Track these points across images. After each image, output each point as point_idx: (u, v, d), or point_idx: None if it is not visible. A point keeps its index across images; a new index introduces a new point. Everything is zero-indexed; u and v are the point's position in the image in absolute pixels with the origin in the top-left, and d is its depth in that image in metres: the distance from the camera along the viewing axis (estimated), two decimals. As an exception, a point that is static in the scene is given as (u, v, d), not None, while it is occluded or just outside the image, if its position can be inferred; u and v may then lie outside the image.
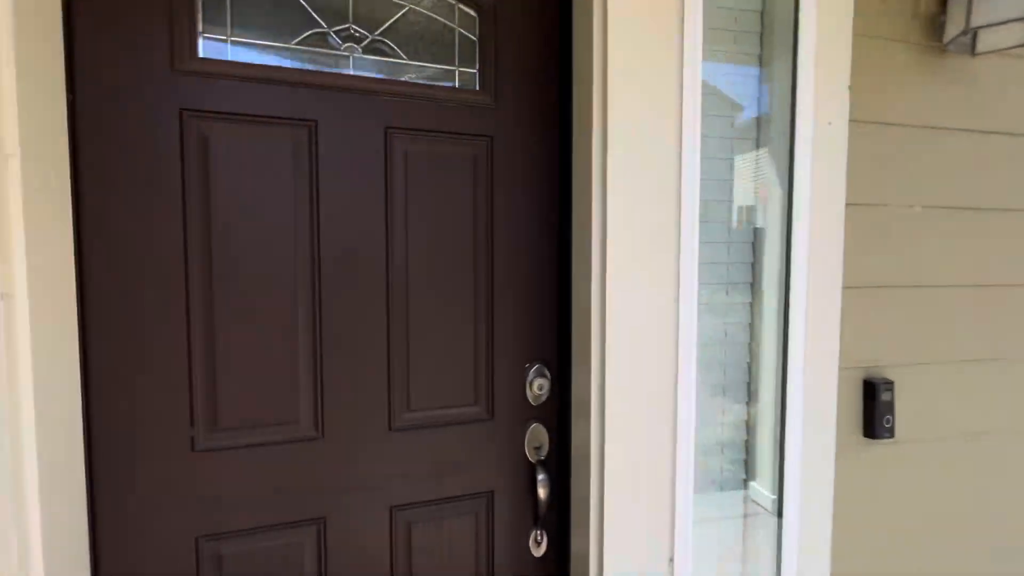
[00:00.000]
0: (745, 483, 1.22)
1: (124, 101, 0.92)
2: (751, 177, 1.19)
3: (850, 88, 1.10)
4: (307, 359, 1.04)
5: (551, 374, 1.22)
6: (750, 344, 1.21)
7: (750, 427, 1.22)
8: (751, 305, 1.22)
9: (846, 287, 1.14)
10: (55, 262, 0.86)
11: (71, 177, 0.90)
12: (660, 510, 1.05)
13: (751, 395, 1.22)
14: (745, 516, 1.21)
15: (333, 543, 1.08)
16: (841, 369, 1.15)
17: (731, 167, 1.19)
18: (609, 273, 0.99)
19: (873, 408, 1.18)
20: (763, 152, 1.17)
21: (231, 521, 1.01)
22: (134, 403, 0.95)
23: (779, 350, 1.12)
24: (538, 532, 1.22)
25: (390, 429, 1.11)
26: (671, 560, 1.05)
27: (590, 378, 1.03)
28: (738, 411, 1.22)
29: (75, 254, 0.91)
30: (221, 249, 0.98)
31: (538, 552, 1.23)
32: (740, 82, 1.16)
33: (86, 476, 0.93)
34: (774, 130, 1.14)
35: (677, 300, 1.02)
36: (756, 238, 1.20)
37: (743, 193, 1.19)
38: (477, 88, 1.14)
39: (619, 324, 1.00)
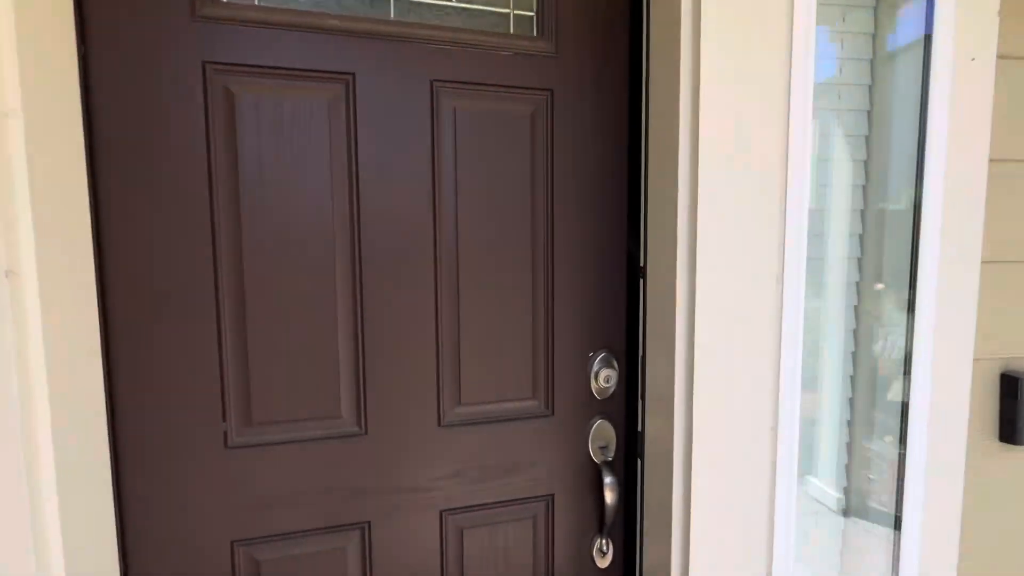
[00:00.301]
0: (852, 491, 1.04)
1: (141, 54, 0.81)
2: (864, 128, 0.99)
3: (1000, 14, 0.89)
4: (348, 346, 0.93)
5: (619, 364, 1.07)
6: (856, 330, 1.03)
7: (856, 427, 1.04)
8: (858, 284, 1.03)
9: (985, 262, 0.94)
10: (69, 235, 0.76)
11: (85, 139, 0.80)
12: (757, 523, 0.89)
13: (856, 390, 1.04)
14: (852, 529, 1.03)
15: (378, 549, 0.98)
16: (975, 360, 0.95)
17: (837, 117, 1.00)
18: (700, 245, 0.83)
19: (1015, 407, 0.98)
20: (882, 97, 0.97)
21: (268, 524, 0.92)
22: (162, 395, 0.86)
23: (905, 337, 0.93)
24: (603, 541, 1.08)
25: (440, 425, 0.99)
26: (768, 582, 0.90)
27: (673, 369, 0.87)
28: (842, 408, 1.05)
29: (92, 227, 0.81)
30: (251, 220, 0.87)
31: (603, 563, 1.09)
32: (853, 16, 0.97)
33: (112, 475, 0.84)
34: (898, 71, 0.94)
35: (780, 277, 0.85)
36: (867, 203, 1.01)
37: (854, 147, 1.00)
38: (535, 34, 0.99)
39: (711, 305, 0.84)
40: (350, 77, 0.90)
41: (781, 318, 0.85)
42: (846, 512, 1.04)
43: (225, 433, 0.89)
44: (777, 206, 0.84)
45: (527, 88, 0.98)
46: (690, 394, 0.86)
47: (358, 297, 0.93)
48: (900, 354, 0.96)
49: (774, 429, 0.87)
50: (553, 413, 1.05)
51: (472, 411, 1.01)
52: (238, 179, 0.86)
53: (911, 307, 0.92)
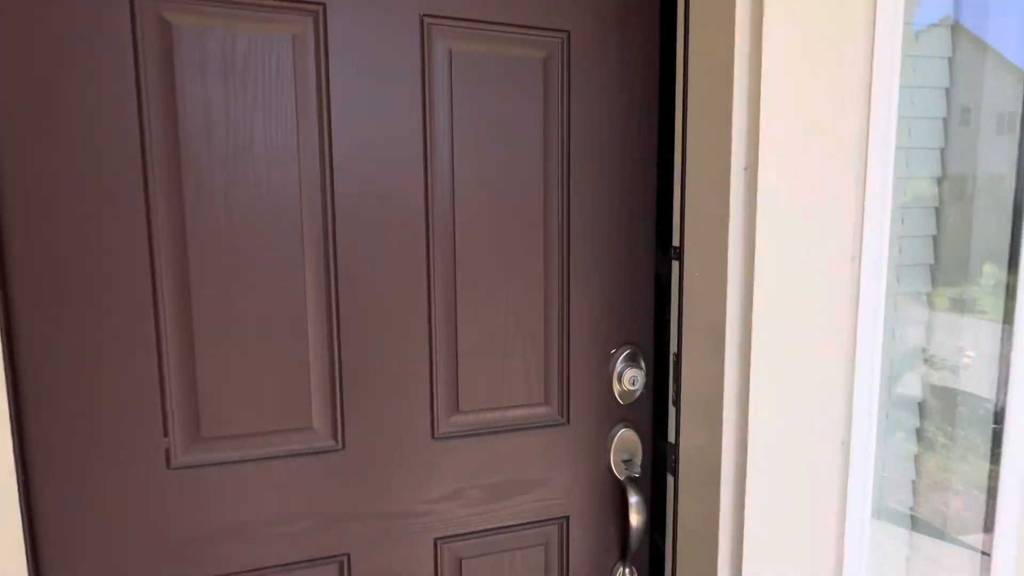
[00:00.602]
0: (918, 511, 0.89)
1: (47, -31, 0.63)
2: (944, 79, 0.83)
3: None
4: (321, 342, 0.76)
5: (646, 363, 0.90)
6: (929, 322, 0.87)
7: (928, 436, 0.88)
8: (931, 267, 0.87)
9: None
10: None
11: (-28, 79, 0.62)
12: (823, 554, 0.74)
13: (928, 393, 0.88)
14: (921, 554, 0.88)
15: (361, 586, 0.81)
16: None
17: (912, 64, 0.83)
18: (760, 217, 0.66)
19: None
20: (970, 40, 0.80)
21: (224, 561, 0.75)
22: (85, 403, 0.68)
23: (1000, 332, 0.77)
24: (627, 569, 0.93)
25: (433, 437, 0.82)
26: (834, 628, 0.74)
27: (722, 369, 0.71)
28: (909, 417, 0.89)
29: (-15, 193, 0.63)
30: (195, 185, 0.69)
31: (626, 594, 0.94)
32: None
33: (21, 504, 0.67)
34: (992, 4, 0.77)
35: (859, 256, 0.68)
36: (944, 168, 0.84)
37: (934, 105, 0.83)
38: (548, -38, 0.81)
39: (771, 291, 0.67)
40: (320, 8, 0.72)
41: (858, 307, 0.69)
42: (914, 530, 0.89)
43: (167, 451, 0.72)
44: (856, 167, 0.67)
45: (539, 28, 0.80)
46: (744, 400, 0.69)
47: (332, 283, 0.76)
48: (992, 351, 0.80)
49: (846, 444, 0.71)
50: (568, 421, 0.89)
51: (472, 420, 0.84)
52: (177, 134, 0.68)
53: (1009, 295, 0.75)
